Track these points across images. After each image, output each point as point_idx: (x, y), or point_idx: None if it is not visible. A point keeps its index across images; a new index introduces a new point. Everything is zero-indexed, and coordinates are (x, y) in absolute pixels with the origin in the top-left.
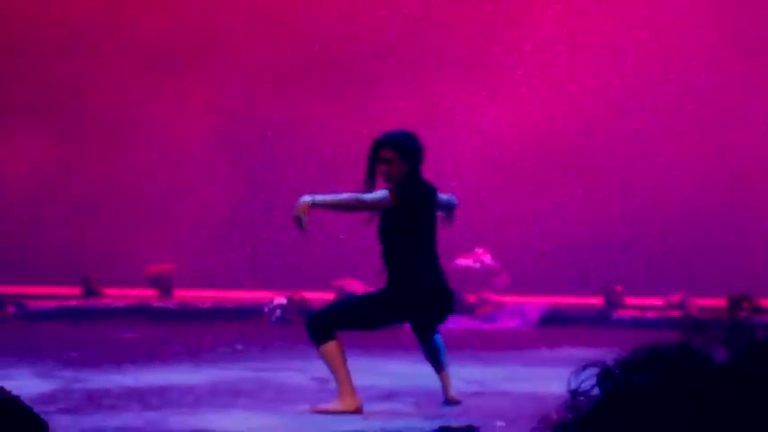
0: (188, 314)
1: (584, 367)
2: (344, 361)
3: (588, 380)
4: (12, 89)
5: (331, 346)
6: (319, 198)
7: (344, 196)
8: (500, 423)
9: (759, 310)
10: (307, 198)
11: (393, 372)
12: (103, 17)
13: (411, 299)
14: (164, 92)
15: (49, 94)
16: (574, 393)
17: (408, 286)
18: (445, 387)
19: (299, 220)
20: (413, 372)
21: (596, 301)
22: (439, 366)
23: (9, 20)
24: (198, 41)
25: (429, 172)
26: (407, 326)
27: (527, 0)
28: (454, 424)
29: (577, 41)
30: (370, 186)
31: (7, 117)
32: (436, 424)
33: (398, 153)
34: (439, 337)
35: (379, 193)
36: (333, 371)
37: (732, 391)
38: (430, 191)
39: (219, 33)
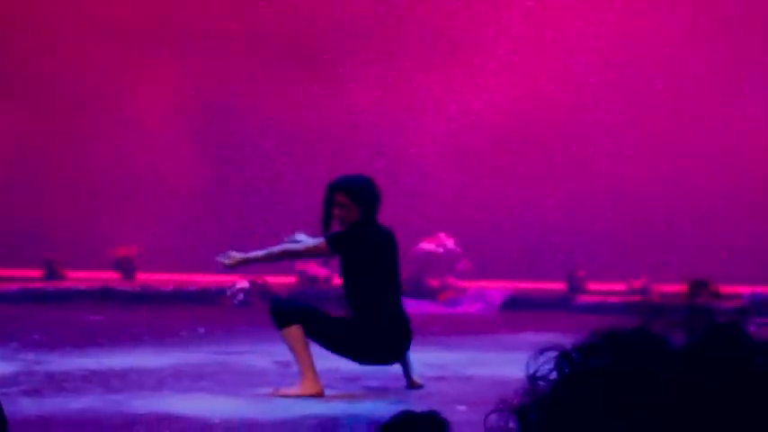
0: (151, 297)
1: (543, 351)
2: (307, 344)
3: (546, 364)
4: None
5: (294, 330)
6: (252, 255)
7: (277, 249)
8: (462, 407)
9: (717, 295)
10: (238, 255)
11: None
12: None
13: (367, 343)
14: (132, 74)
15: (12, 74)
16: (532, 377)
17: (364, 329)
18: (407, 372)
19: (227, 267)
20: None
21: (559, 286)
22: None
23: None
24: (168, 24)
25: (392, 156)
26: None
27: None
28: (417, 408)
29: (548, 34)
30: (326, 228)
31: None
32: (398, 408)
33: (352, 198)
34: None
35: (313, 242)
36: (295, 354)
37: (687, 373)
38: (384, 235)
39: (191, 16)
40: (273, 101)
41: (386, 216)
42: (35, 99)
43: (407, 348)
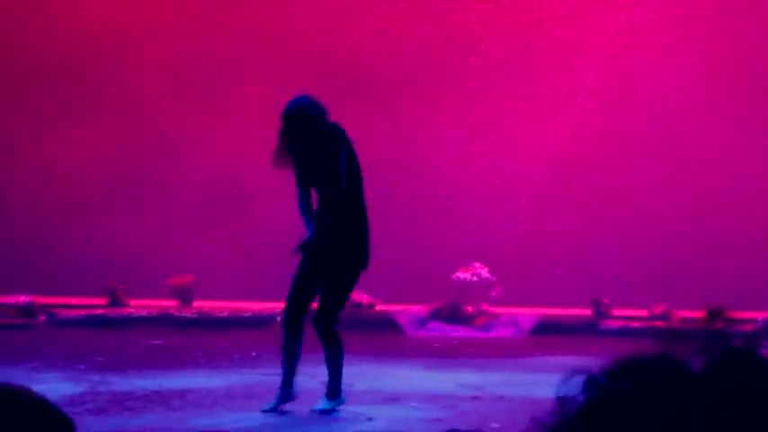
0: (206, 323)
1: (572, 375)
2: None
3: (575, 386)
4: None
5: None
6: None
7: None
8: (495, 425)
9: (733, 321)
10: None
11: (396, 377)
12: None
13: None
14: (216, 100)
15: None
16: (562, 399)
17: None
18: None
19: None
20: (415, 377)
21: (585, 312)
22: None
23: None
24: (250, 53)
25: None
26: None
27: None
28: (456, 426)
29: (590, 82)
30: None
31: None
32: (436, 427)
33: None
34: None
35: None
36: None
37: (705, 397)
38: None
39: (274, 42)
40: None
41: (427, 244)
42: (121, 133)
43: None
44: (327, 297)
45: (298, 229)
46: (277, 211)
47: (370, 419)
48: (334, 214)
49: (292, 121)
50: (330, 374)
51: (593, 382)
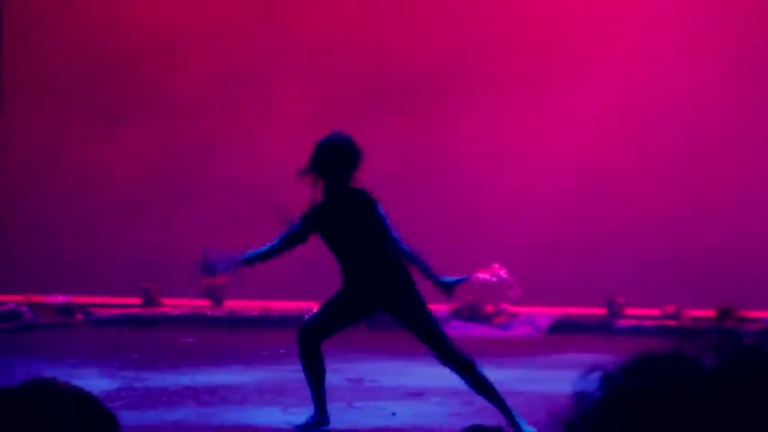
0: (237, 321)
1: (589, 372)
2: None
3: (591, 383)
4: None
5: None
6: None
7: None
8: None
9: (742, 319)
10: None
11: (420, 373)
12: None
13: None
14: (251, 118)
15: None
16: (579, 395)
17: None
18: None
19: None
20: (438, 373)
21: (600, 311)
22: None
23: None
24: (294, 57)
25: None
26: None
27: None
28: (480, 423)
29: (608, 90)
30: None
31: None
32: (457, 422)
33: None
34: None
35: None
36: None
37: (717, 391)
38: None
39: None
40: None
41: (449, 245)
42: (140, 135)
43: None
44: (424, 333)
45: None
46: None
47: (394, 414)
48: (369, 265)
49: (321, 157)
50: (492, 400)
51: (609, 379)
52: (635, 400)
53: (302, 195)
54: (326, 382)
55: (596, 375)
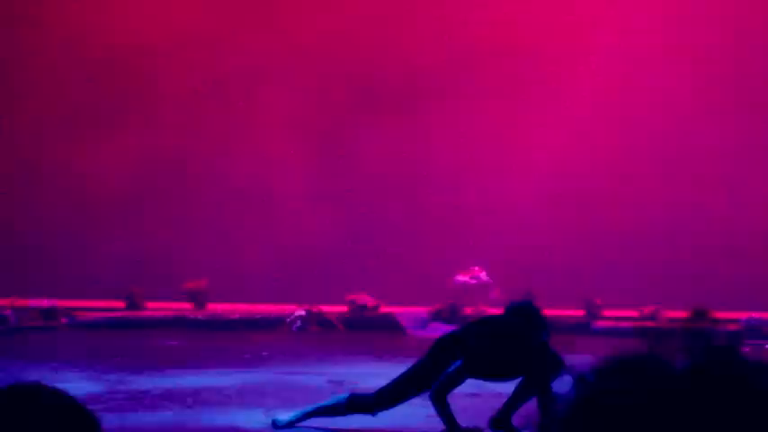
0: (219, 324)
1: (564, 374)
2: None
3: (566, 385)
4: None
5: None
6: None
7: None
8: None
9: (716, 321)
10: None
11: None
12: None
13: None
14: (236, 122)
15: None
16: (554, 396)
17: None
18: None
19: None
20: None
21: (578, 312)
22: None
23: None
24: (285, 63)
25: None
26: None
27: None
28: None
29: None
30: None
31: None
32: (437, 422)
33: None
34: None
35: None
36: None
37: (687, 393)
38: None
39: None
40: (369, 145)
41: (428, 248)
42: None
43: None
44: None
45: (312, 233)
46: (292, 217)
47: (373, 415)
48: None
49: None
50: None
51: (583, 381)
52: (607, 401)
53: (289, 192)
54: (310, 385)
55: (570, 377)
